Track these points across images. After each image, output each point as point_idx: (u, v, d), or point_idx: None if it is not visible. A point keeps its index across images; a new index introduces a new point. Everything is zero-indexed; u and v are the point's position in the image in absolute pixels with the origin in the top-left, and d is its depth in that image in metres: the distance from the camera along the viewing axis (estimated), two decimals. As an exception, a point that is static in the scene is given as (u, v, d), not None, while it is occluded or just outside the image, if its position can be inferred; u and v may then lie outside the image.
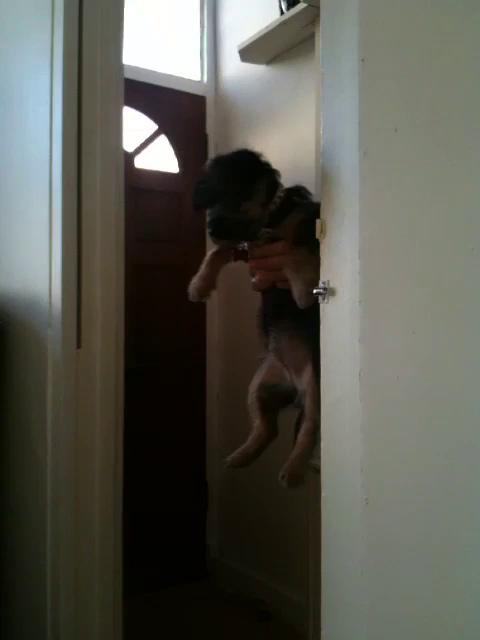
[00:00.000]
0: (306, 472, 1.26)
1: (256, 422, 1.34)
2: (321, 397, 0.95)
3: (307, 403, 1.22)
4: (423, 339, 0.78)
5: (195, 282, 1.23)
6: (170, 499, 3.24)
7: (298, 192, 1.23)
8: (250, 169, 1.18)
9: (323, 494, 0.94)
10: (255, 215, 1.16)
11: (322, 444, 0.95)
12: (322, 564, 0.94)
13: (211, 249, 1.27)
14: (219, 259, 1.24)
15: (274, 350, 1.29)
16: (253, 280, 1.24)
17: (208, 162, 1.22)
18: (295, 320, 1.22)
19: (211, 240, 1.20)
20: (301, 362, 1.23)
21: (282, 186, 1.22)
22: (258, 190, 1.17)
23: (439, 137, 0.75)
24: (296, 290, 1.09)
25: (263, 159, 1.22)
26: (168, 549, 3.23)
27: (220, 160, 1.21)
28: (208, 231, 1.17)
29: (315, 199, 1.25)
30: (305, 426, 1.24)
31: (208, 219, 1.17)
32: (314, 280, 1.05)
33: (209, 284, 1.22)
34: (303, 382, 1.23)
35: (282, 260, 1.14)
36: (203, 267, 1.23)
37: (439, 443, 0.77)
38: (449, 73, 0.74)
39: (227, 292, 3.17)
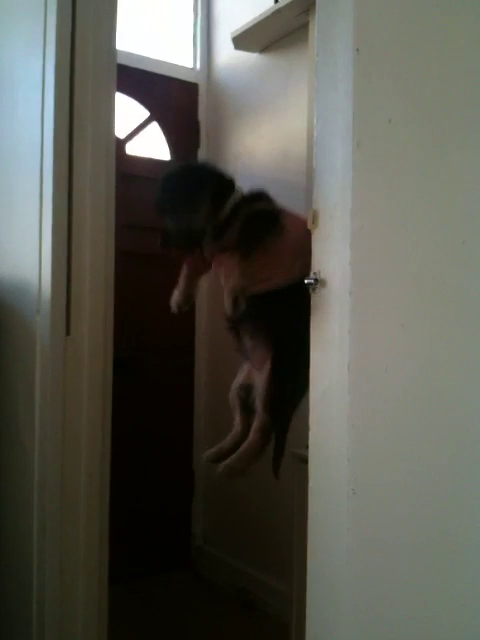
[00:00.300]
0: (248, 468, 1.29)
1: (235, 420, 1.36)
2: (310, 388, 0.95)
3: (256, 402, 1.25)
4: (412, 332, 0.78)
5: (174, 296, 1.29)
6: (156, 487, 3.24)
7: (254, 199, 1.24)
8: (195, 184, 1.22)
9: (310, 484, 0.94)
10: (198, 227, 1.19)
11: (310, 434, 0.95)
12: (308, 554, 0.94)
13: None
14: (194, 272, 1.28)
15: (241, 351, 1.32)
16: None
17: (162, 174, 1.26)
18: (255, 321, 1.25)
19: None
20: (261, 362, 1.25)
21: (238, 193, 1.22)
22: (202, 203, 1.19)
23: (433, 129, 0.75)
24: (225, 300, 1.15)
25: (213, 170, 1.24)
26: (153, 537, 3.24)
27: (169, 174, 1.26)
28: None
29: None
30: (254, 424, 1.27)
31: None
32: (238, 287, 1.10)
33: (187, 297, 1.28)
34: (257, 381, 1.25)
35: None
36: (180, 281, 1.28)
37: (427, 435, 0.77)
38: (444, 65, 0.74)
39: (216, 285, 3.16)
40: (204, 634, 2.65)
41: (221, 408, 3.17)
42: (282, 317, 1.21)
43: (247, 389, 1.32)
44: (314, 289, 0.91)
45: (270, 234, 1.15)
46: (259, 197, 1.24)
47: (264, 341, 1.25)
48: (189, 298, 1.28)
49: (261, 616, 2.81)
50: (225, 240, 1.17)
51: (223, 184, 1.23)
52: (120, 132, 3.06)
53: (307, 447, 0.98)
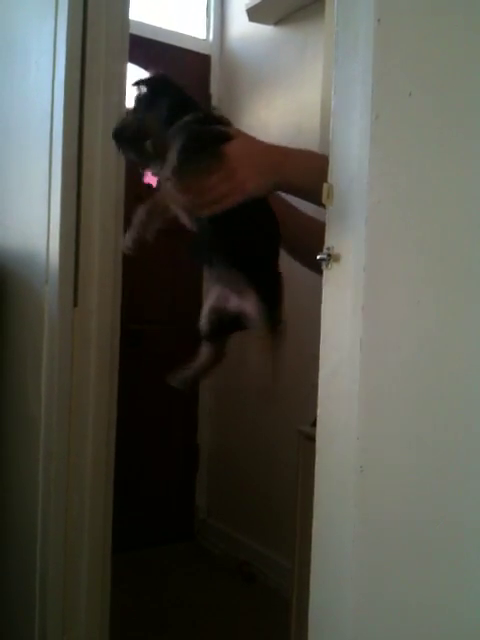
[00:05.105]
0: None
1: (204, 348, 1.30)
2: (319, 363, 0.94)
3: (247, 324, 1.18)
4: (427, 309, 0.77)
5: (126, 236, 1.18)
6: (161, 460, 3.26)
7: (208, 121, 1.15)
8: (156, 86, 1.19)
9: (317, 461, 0.94)
10: (151, 128, 1.14)
11: (318, 411, 0.94)
12: (313, 531, 0.94)
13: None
14: (153, 210, 1.18)
15: (216, 279, 1.25)
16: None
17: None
18: (226, 246, 1.19)
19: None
20: (243, 288, 1.18)
21: (196, 115, 1.14)
22: (159, 105, 1.15)
23: (454, 103, 0.73)
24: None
25: (177, 84, 1.18)
26: (157, 509, 3.26)
27: (151, 76, 1.22)
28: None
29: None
30: (257, 346, 1.20)
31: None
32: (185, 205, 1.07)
33: (139, 239, 1.17)
34: (247, 304, 1.18)
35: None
36: (134, 219, 1.18)
37: (439, 414, 0.76)
38: (468, 37, 0.72)
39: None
40: (205, 605, 2.69)
41: (226, 382, 3.18)
42: (250, 238, 1.16)
43: (218, 312, 1.25)
44: (327, 265, 0.90)
45: (212, 154, 1.07)
46: (215, 119, 1.17)
47: (238, 265, 1.18)
48: (142, 241, 1.17)
49: (262, 589, 2.84)
50: (168, 160, 1.11)
51: (184, 102, 1.17)
52: (131, 103, 3.03)
53: (312, 424, 0.98)
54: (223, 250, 1.19)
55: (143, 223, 1.17)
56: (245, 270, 1.18)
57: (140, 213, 1.17)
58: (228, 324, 1.25)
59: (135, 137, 1.17)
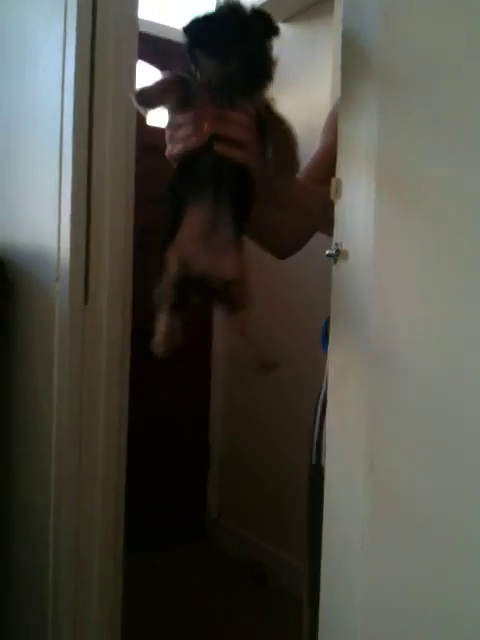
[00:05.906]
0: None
1: (162, 320, 1.10)
2: (328, 361, 0.94)
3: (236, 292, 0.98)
4: (436, 305, 0.76)
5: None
6: (172, 460, 3.26)
7: None
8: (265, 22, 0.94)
9: (327, 457, 0.94)
10: (273, 63, 0.94)
11: (328, 408, 0.94)
12: (323, 530, 0.94)
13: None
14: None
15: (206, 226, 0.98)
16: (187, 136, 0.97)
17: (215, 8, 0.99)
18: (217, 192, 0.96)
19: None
20: (227, 244, 0.97)
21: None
22: (269, 42, 0.94)
23: (463, 96, 0.72)
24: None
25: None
26: (168, 509, 3.26)
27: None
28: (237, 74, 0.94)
29: None
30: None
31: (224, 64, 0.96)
32: None
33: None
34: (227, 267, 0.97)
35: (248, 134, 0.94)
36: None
37: (447, 412, 0.76)
38: (478, 28, 0.72)
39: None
40: (216, 606, 2.68)
41: (238, 381, 3.18)
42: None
43: (185, 278, 1.04)
44: (335, 261, 0.89)
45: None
46: None
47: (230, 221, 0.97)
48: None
49: (274, 589, 2.84)
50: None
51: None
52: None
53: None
54: (232, 190, 0.97)
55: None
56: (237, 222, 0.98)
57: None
58: (191, 292, 1.07)
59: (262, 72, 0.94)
